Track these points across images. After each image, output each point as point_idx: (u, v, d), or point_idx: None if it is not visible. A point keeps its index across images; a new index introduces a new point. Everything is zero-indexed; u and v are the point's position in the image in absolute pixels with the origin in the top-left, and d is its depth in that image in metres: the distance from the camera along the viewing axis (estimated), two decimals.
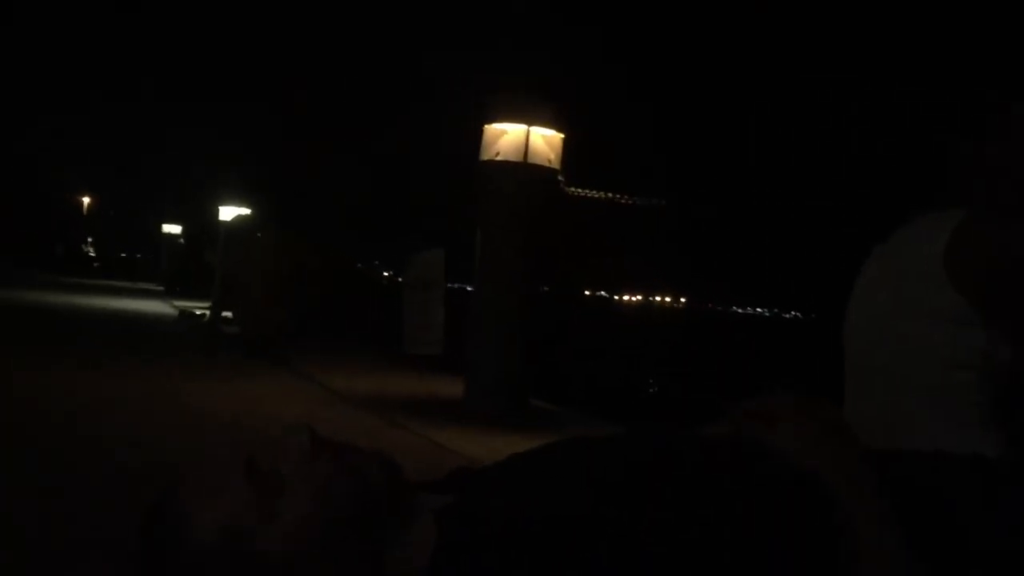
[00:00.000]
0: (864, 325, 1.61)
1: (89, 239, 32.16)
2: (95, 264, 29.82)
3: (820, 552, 0.85)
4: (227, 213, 10.58)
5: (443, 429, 3.50)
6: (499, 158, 4.08)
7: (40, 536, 1.83)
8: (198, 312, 9.74)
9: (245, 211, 10.15)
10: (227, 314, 8.64)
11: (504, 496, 0.88)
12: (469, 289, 4.30)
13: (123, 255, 37.19)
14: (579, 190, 4.25)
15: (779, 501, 0.87)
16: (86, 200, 35.71)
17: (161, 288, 16.65)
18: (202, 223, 14.47)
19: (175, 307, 11.20)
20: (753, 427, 1.00)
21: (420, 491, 0.92)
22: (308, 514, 0.82)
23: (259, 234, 7.23)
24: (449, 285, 5.25)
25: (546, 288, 4.38)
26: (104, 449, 2.67)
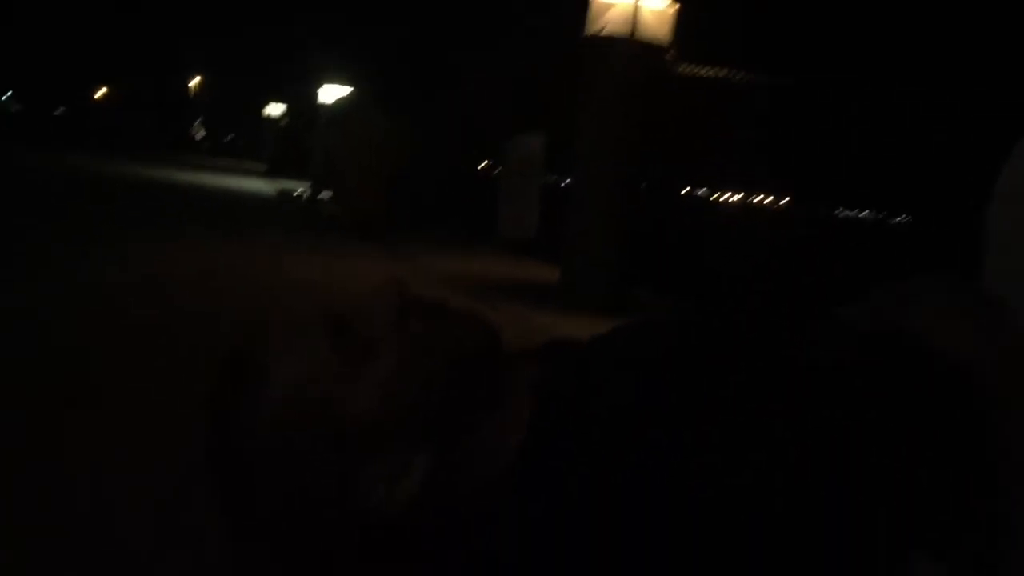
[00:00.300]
0: (1011, 224, 1.41)
1: (200, 119, 32.99)
2: (204, 144, 30.72)
3: (964, 445, 0.72)
4: (329, 93, 10.60)
5: (543, 310, 3.46)
6: (605, 33, 3.87)
7: None
8: (297, 192, 9.90)
9: (346, 91, 10.14)
10: (327, 193, 8.75)
11: (587, 377, 0.80)
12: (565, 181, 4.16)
13: (230, 136, 38.18)
14: (691, 66, 3.99)
15: (905, 392, 0.74)
16: (195, 81, 36.51)
17: (265, 167, 17.03)
18: (302, 106, 14.59)
19: (276, 186, 11.43)
20: (891, 311, 0.86)
21: (517, 360, 0.83)
22: (396, 376, 0.74)
23: (357, 124, 7.16)
24: None
25: (646, 182, 4.20)
26: (195, 313, 2.69)
